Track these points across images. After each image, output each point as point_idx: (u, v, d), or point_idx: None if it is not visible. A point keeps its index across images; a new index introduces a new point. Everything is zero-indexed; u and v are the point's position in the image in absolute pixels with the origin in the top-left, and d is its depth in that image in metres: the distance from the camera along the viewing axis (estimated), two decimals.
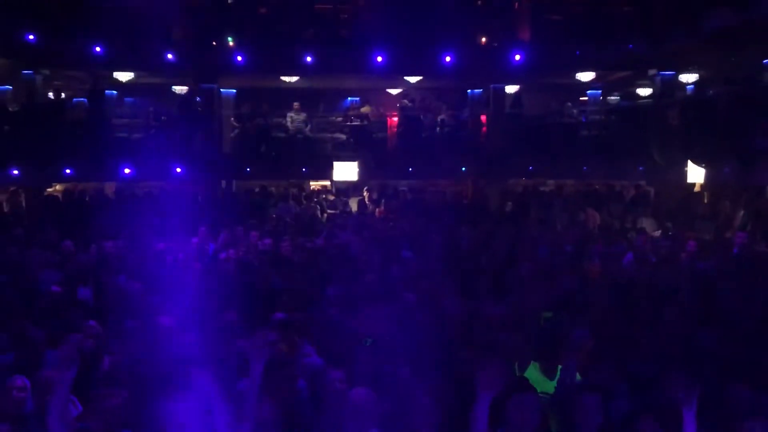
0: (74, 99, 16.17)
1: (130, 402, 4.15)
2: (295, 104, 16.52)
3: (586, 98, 18.14)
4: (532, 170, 16.37)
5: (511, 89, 17.28)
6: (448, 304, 6.71)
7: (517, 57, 15.24)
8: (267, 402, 3.76)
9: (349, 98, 18.52)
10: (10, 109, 14.78)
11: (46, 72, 16.31)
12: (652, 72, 16.36)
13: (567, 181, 17.04)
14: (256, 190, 16.60)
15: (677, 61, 15.57)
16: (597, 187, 16.62)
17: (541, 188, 17.33)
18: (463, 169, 16.33)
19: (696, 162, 12.87)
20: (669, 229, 13.18)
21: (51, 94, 16.75)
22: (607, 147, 15.46)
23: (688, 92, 15.92)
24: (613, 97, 18.22)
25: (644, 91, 17.56)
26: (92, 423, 3.92)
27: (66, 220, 13.20)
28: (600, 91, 17.95)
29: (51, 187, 16.23)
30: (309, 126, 16.54)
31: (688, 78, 16.35)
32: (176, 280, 7.93)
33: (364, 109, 17.29)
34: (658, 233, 12.83)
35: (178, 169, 14.85)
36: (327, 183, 18.78)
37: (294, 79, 16.69)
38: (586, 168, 15.88)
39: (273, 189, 17.08)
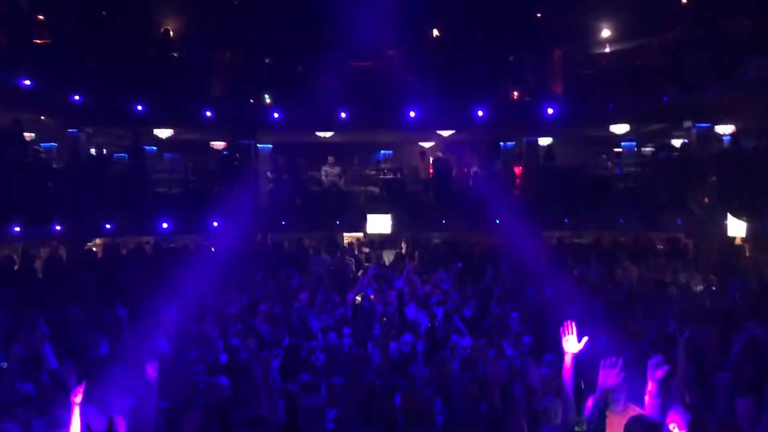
0: (115, 155, 16.64)
1: None
2: (330, 158, 16.74)
3: (620, 150, 18.02)
4: (567, 223, 16.21)
5: (544, 141, 17.27)
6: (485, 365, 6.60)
7: (550, 110, 15.28)
8: None
9: (382, 151, 18.70)
10: (55, 166, 15.24)
11: (89, 130, 16.83)
12: (687, 124, 16.24)
13: (603, 233, 16.80)
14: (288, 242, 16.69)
15: (713, 112, 15.43)
16: (636, 239, 16.31)
17: (576, 241, 17.10)
18: (497, 221, 16.22)
19: (736, 215, 12.62)
20: (714, 283, 12.79)
21: (93, 151, 17.23)
22: (643, 198, 15.27)
23: (725, 143, 15.71)
24: (647, 149, 18.07)
25: (679, 142, 17.39)
26: None
27: (105, 275, 13.41)
28: (634, 143, 17.82)
29: (91, 241, 16.53)
30: (343, 179, 16.70)
31: (725, 129, 16.17)
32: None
33: None
34: (700, 288, 12.48)
35: (215, 223, 15.04)
36: (360, 235, 18.80)
37: (329, 133, 16.94)
38: (622, 220, 15.68)
39: (306, 242, 17.15)
